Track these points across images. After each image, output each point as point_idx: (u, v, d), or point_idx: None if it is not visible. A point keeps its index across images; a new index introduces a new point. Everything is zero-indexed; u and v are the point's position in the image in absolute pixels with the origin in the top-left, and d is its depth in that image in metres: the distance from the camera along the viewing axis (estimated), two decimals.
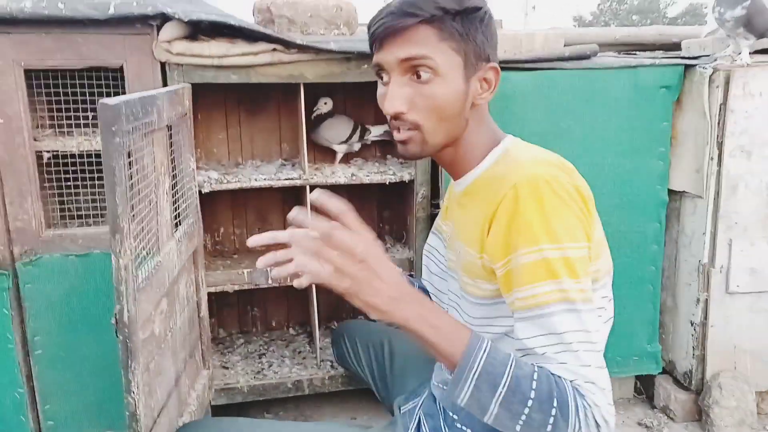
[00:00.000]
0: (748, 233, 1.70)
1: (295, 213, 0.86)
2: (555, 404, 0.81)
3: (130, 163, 1.10)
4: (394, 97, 0.94)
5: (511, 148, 1.01)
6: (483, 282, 0.99)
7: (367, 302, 0.83)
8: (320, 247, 0.81)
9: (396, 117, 0.96)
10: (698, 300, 1.75)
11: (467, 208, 1.04)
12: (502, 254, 0.91)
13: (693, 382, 1.79)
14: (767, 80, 1.62)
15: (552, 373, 0.85)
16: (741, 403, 1.72)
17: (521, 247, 0.87)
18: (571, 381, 0.83)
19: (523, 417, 0.82)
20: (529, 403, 0.82)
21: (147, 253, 1.20)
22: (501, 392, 0.82)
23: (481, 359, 0.83)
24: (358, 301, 0.83)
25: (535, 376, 0.83)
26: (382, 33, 0.93)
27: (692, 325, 1.78)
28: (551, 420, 0.81)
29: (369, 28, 0.97)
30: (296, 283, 0.86)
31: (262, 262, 0.89)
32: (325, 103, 1.83)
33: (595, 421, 0.82)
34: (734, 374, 1.75)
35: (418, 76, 0.93)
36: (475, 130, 1.01)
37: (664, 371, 1.90)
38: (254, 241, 0.99)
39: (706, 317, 1.75)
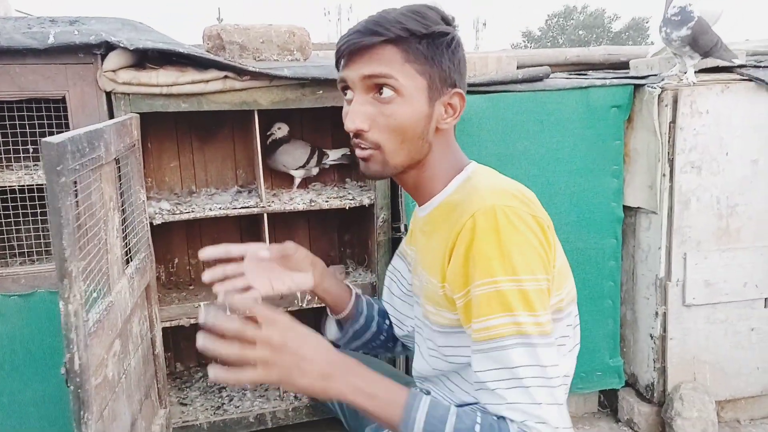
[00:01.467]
0: (702, 246, 1.74)
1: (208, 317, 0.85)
2: None
3: (77, 202, 1.04)
4: (356, 114, 0.93)
5: (473, 175, 1.00)
6: (445, 311, 0.97)
7: (299, 386, 0.83)
8: (239, 351, 0.82)
9: (357, 135, 0.95)
10: (657, 313, 1.78)
11: (429, 236, 1.02)
12: (461, 285, 0.89)
13: (655, 394, 1.81)
14: (713, 98, 1.67)
15: (499, 418, 0.83)
16: (702, 414, 1.75)
17: (477, 278, 0.86)
18: (521, 422, 0.82)
19: None
20: None
21: (97, 294, 1.14)
22: None
23: (420, 420, 0.83)
24: (291, 387, 0.84)
25: (477, 428, 0.82)
26: (347, 49, 0.93)
27: (652, 338, 1.81)
28: None
29: (336, 45, 0.96)
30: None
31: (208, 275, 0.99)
32: (279, 128, 1.79)
33: None
34: (694, 385, 1.78)
35: (386, 95, 0.92)
36: (439, 155, 1.00)
37: (627, 384, 1.92)
38: (207, 253, 1.06)
39: (665, 330, 1.78)
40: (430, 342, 1.04)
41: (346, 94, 0.98)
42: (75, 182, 1.03)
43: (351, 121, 0.93)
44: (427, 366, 1.07)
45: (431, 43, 0.93)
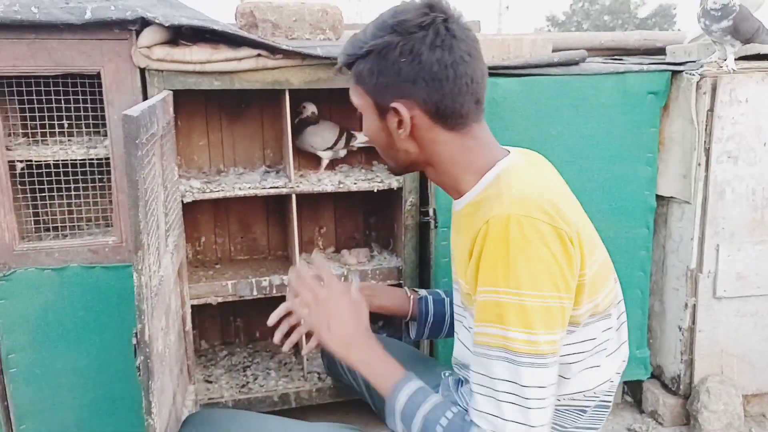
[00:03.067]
0: (735, 238, 1.71)
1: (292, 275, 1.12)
2: None
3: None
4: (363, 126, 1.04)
5: (503, 174, 0.95)
6: (470, 306, 0.98)
7: (322, 337, 1.03)
8: (300, 289, 1.08)
9: None
10: (686, 305, 1.75)
11: (458, 234, 1.03)
12: (473, 287, 0.91)
13: (681, 386, 1.80)
14: (753, 87, 1.63)
15: (471, 421, 0.87)
16: (728, 407, 1.73)
17: (481, 284, 0.87)
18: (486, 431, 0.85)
19: None
20: None
21: (155, 269, 1.15)
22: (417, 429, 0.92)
23: (401, 401, 0.94)
24: (317, 336, 1.04)
25: (444, 422, 0.89)
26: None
27: (680, 330, 1.78)
28: None
29: None
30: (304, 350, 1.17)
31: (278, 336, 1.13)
32: (305, 107, 1.78)
33: None
34: (721, 378, 1.76)
35: None
36: (457, 157, 0.96)
37: (652, 376, 1.90)
38: (273, 319, 1.14)
39: (693, 322, 1.75)
40: (473, 331, 1.04)
41: None
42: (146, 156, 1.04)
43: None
44: (468, 352, 1.07)
45: (375, 59, 0.92)
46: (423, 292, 1.31)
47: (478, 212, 0.92)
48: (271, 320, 1.12)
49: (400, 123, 0.95)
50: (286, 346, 1.13)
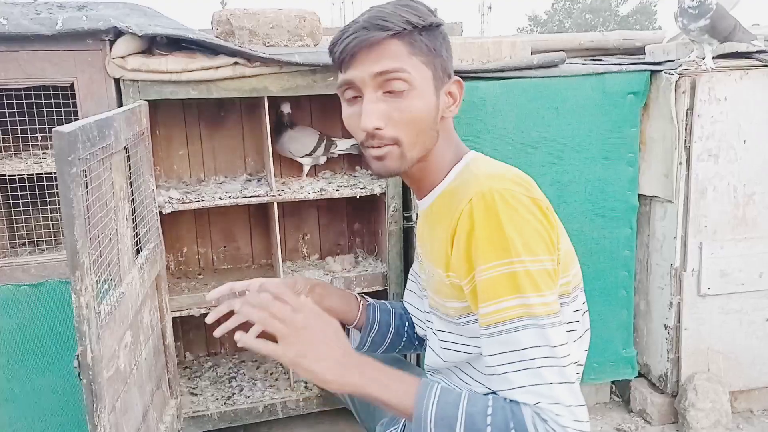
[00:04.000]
0: (718, 236, 1.71)
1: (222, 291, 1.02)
2: None
3: (87, 192, 1.02)
4: (370, 113, 0.91)
5: (471, 163, 0.99)
6: (453, 301, 0.97)
7: (314, 370, 0.86)
8: (266, 318, 0.88)
9: (373, 134, 0.93)
10: (671, 303, 1.76)
11: (432, 227, 1.01)
12: (466, 271, 0.89)
13: (668, 384, 1.80)
14: (732, 85, 1.63)
15: (510, 401, 0.83)
16: (716, 404, 1.73)
17: (481, 263, 0.86)
18: (534, 404, 0.81)
19: None
20: None
21: (108, 286, 1.13)
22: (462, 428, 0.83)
23: (432, 406, 0.85)
24: (306, 370, 0.86)
25: (489, 411, 0.82)
26: (353, 48, 0.90)
27: (666, 328, 1.79)
28: None
29: (334, 45, 0.93)
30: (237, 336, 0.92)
31: (219, 332, 0.98)
32: (283, 108, 1.75)
33: None
34: (708, 376, 1.76)
35: (398, 90, 0.91)
36: (443, 145, 0.99)
37: (640, 374, 1.91)
38: (213, 295, 1.09)
39: (679, 320, 1.76)
40: (441, 333, 1.04)
41: (345, 95, 0.96)
42: (85, 172, 1.01)
43: (369, 121, 0.91)
44: (438, 359, 1.06)
45: (430, 34, 0.94)
46: (370, 300, 1.28)
47: (454, 198, 0.93)
48: (211, 296, 1.09)
49: (453, 99, 0.98)
50: (219, 332, 1.02)
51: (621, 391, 1.97)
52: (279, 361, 0.89)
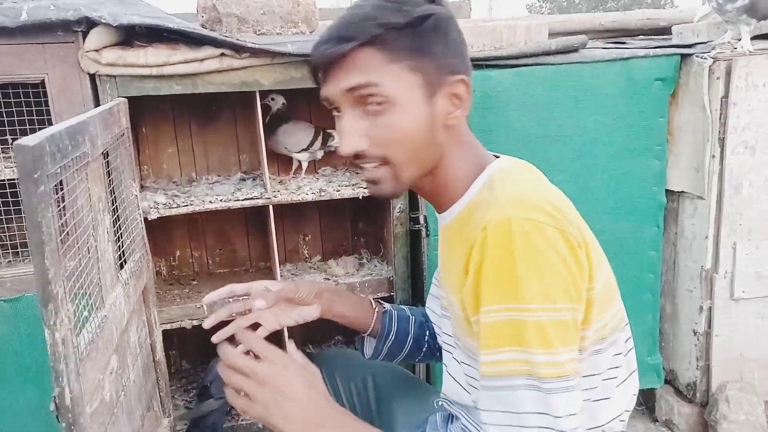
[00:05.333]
0: (754, 235, 1.57)
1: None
2: None
3: (60, 209, 0.90)
4: (349, 134, 0.80)
5: (496, 175, 0.84)
6: (467, 338, 0.84)
7: (277, 427, 0.75)
8: (229, 375, 0.78)
9: (357, 156, 0.80)
10: (701, 308, 1.62)
11: (450, 249, 0.88)
12: (474, 309, 0.76)
13: (697, 394, 1.67)
14: None
15: None
16: (750, 417, 1.61)
17: (486, 303, 0.73)
18: None
19: None
20: None
21: (89, 312, 1.01)
22: None
23: None
24: (269, 426, 0.76)
25: None
26: (321, 63, 0.79)
27: (695, 334, 1.66)
28: None
29: (311, 57, 0.81)
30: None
31: (217, 338, 0.93)
32: (273, 99, 1.62)
33: None
34: (741, 385, 1.63)
35: (378, 104, 0.77)
36: (455, 155, 0.85)
37: (666, 381, 1.78)
38: (209, 298, 1.02)
39: (710, 326, 1.63)
40: (466, 367, 0.90)
41: (334, 111, 0.83)
42: (57, 188, 0.88)
43: (347, 144, 0.79)
44: (462, 392, 0.94)
45: (415, 31, 0.78)
46: (387, 305, 1.16)
47: (471, 220, 0.79)
48: (208, 299, 1.03)
49: (459, 101, 0.82)
50: (216, 338, 0.97)
51: (645, 399, 1.85)
52: (250, 415, 0.79)
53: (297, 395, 0.76)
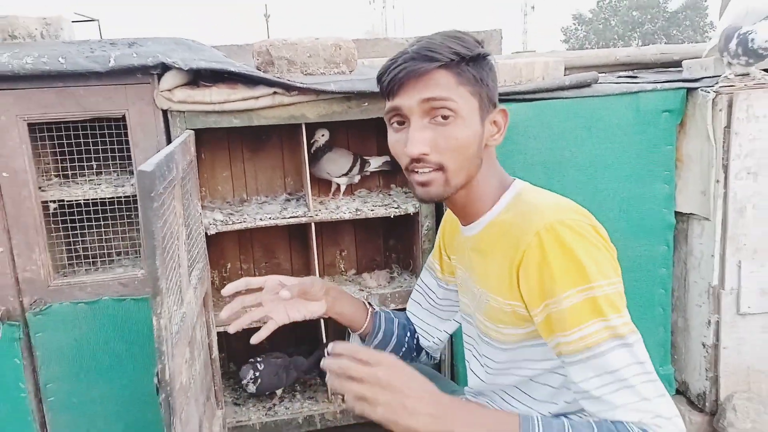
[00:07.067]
0: (758, 255, 1.69)
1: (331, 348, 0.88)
2: None
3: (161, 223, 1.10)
4: (416, 140, 0.95)
5: (523, 192, 1.03)
6: (509, 327, 1.00)
7: (407, 425, 0.82)
8: (346, 382, 0.84)
9: (419, 159, 0.97)
10: (709, 322, 1.74)
11: (485, 255, 1.04)
12: (537, 301, 0.92)
13: (707, 403, 1.78)
14: None
15: (613, 422, 0.85)
16: (756, 425, 1.71)
17: (558, 292, 0.88)
18: (638, 421, 0.84)
19: None
20: None
21: (176, 307, 1.20)
22: None
23: None
24: (398, 427, 0.82)
25: None
26: (402, 77, 0.95)
27: (704, 346, 1.77)
28: None
29: (383, 74, 0.98)
30: (254, 339, 1.11)
31: (227, 311, 1.10)
32: (323, 135, 1.82)
33: None
34: (749, 395, 1.73)
35: (444, 117, 0.95)
36: (486, 173, 1.03)
37: (678, 392, 1.89)
38: (229, 289, 1.13)
39: (717, 339, 1.74)
40: (487, 359, 1.07)
41: (394, 124, 1.00)
42: (163, 206, 1.08)
43: (414, 147, 0.95)
44: (483, 383, 1.10)
45: (477, 64, 0.97)
46: (377, 307, 1.31)
47: (513, 230, 0.96)
48: (227, 291, 1.12)
49: (498, 128, 1.02)
50: (232, 328, 1.13)
51: None
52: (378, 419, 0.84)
53: (418, 393, 0.83)
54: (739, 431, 1.70)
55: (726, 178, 1.65)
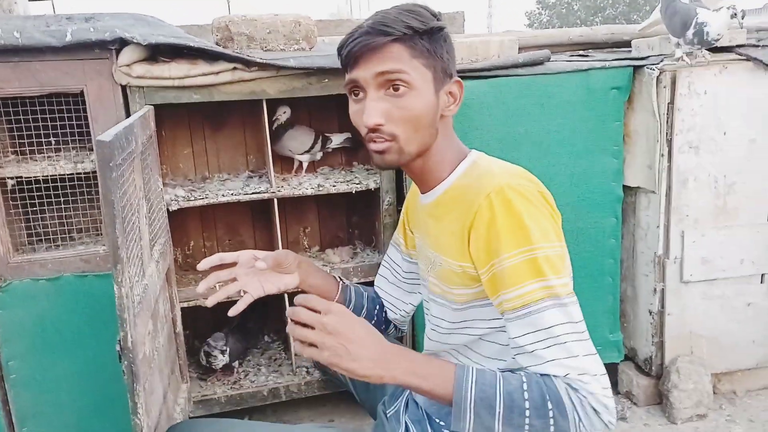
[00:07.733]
0: (699, 225, 1.78)
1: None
2: (550, 406, 0.88)
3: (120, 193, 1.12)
4: (372, 110, 1.00)
5: (479, 160, 1.09)
6: (463, 288, 1.06)
7: (349, 368, 0.90)
8: (293, 327, 0.92)
9: (374, 129, 1.02)
10: (655, 290, 1.84)
11: (440, 219, 1.10)
12: (484, 261, 0.98)
13: (653, 367, 1.88)
14: (711, 79, 1.70)
15: (541, 375, 0.91)
16: (698, 386, 1.82)
17: (503, 252, 0.94)
18: (564, 376, 0.90)
19: (526, 427, 0.89)
20: (527, 412, 0.89)
21: (137, 279, 1.22)
22: (499, 412, 0.89)
23: (471, 389, 0.90)
24: (343, 369, 0.90)
25: (525, 386, 0.90)
26: (357, 50, 1.00)
27: (651, 313, 1.87)
28: (551, 422, 0.88)
29: (341, 48, 1.03)
30: (231, 311, 1.16)
31: (203, 286, 1.16)
32: (284, 113, 1.84)
33: (593, 409, 0.89)
34: (691, 358, 1.84)
35: (396, 89, 0.99)
36: (443, 142, 1.08)
37: (627, 358, 1.99)
38: (204, 264, 1.18)
39: (663, 306, 1.84)
40: (441, 320, 1.13)
41: (353, 95, 1.05)
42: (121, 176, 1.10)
43: (369, 118, 1.00)
44: (436, 344, 1.17)
45: (431, 38, 1.02)
46: (347, 281, 1.36)
47: (467, 194, 1.02)
48: (202, 266, 1.17)
49: (454, 98, 1.06)
50: (210, 302, 1.20)
51: (609, 373, 2.04)
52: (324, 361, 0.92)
53: (360, 338, 0.91)
54: (682, 392, 1.81)
55: (670, 152, 1.74)
